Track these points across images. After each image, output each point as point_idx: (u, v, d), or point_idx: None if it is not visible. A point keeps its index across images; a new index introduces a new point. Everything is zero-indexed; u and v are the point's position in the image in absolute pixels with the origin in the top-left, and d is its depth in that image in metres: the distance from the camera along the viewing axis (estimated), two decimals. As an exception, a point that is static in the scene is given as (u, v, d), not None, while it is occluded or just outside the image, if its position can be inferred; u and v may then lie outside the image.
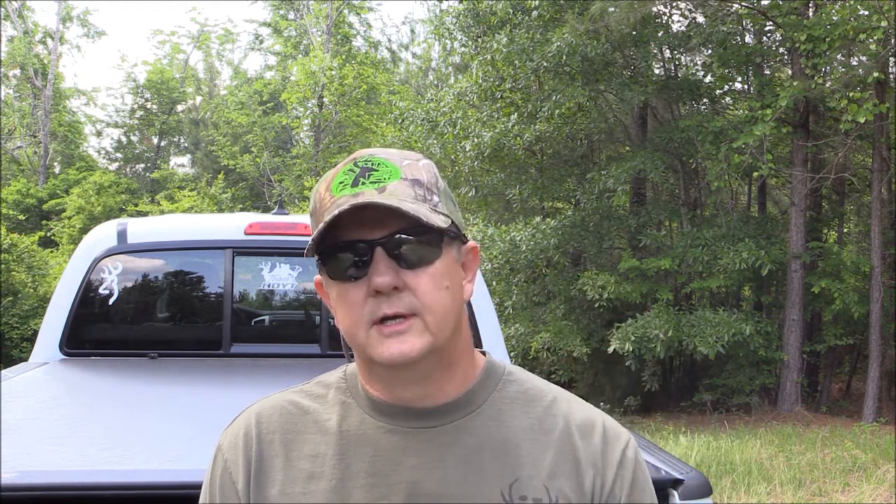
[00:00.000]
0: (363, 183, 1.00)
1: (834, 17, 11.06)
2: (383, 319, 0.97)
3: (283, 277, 3.70)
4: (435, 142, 14.41)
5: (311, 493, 1.02)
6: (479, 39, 14.71)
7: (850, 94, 10.61)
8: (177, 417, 2.54)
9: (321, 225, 0.98)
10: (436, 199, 1.03)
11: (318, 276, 1.09)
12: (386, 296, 0.97)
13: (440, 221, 1.00)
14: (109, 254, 3.54)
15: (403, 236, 0.98)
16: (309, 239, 1.01)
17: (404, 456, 1.02)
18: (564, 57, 12.20)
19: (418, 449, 1.02)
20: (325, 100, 24.40)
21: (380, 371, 1.03)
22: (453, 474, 1.01)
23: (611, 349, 11.91)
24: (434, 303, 0.99)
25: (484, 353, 1.12)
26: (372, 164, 1.02)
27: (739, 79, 14.16)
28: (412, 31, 39.24)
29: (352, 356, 1.10)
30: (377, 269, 0.97)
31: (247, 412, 1.11)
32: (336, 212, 0.96)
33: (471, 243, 1.08)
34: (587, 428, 1.07)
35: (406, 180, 1.01)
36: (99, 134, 37.50)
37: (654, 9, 13.11)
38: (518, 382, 1.10)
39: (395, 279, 0.97)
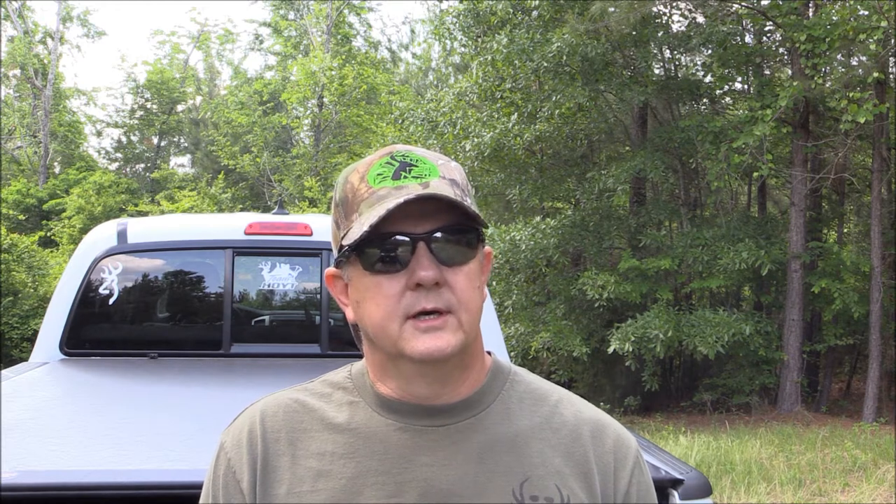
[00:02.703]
0: (405, 177, 0.99)
1: (834, 17, 11.06)
2: (419, 314, 0.97)
3: (283, 277, 3.70)
4: (435, 142, 14.41)
5: (319, 491, 1.01)
6: (479, 39, 14.70)
7: (850, 94, 10.61)
8: (177, 417, 2.54)
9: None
10: (468, 200, 1.03)
11: (330, 269, 1.08)
12: (426, 290, 0.97)
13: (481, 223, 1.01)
14: (109, 254, 3.54)
15: (446, 234, 0.99)
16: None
17: (416, 454, 1.02)
18: (564, 57, 12.20)
19: (430, 447, 1.02)
20: (325, 100, 24.42)
21: (404, 366, 1.02)
22: (465, 473, 1.01)
23: (611, 349, 11.91)
24: (469, 301, 1.00)
25: (489, 353, 1.13)
26: (411, 160, 1.02)
27: (739, 79, 14.16)
28: (412, 31, 39.27)
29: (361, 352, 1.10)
30: (420, 264, 0.97)
31: (250, 410, 1.10)
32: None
33: (487, 248, 1.09)
34: (598, 430, 1.08)
35: (445, 179, 1.01)
36: (99, 134, 37.57)
37: (654, 9, 13.10)
38: (524, 382, 1.11)
39: (437, 274, 0.97)
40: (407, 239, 0.97)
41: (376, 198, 0.98)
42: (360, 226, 0.98)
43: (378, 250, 0.99)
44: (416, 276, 0.96)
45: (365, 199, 1.00)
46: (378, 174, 1.00)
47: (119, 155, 33.29)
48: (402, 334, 0.98)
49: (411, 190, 0.97)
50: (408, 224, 0.98)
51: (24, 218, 24.99)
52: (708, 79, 14.14)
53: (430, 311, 0.97)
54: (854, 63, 12.05)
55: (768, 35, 13.89)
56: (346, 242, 1.01)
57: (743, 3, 12.55)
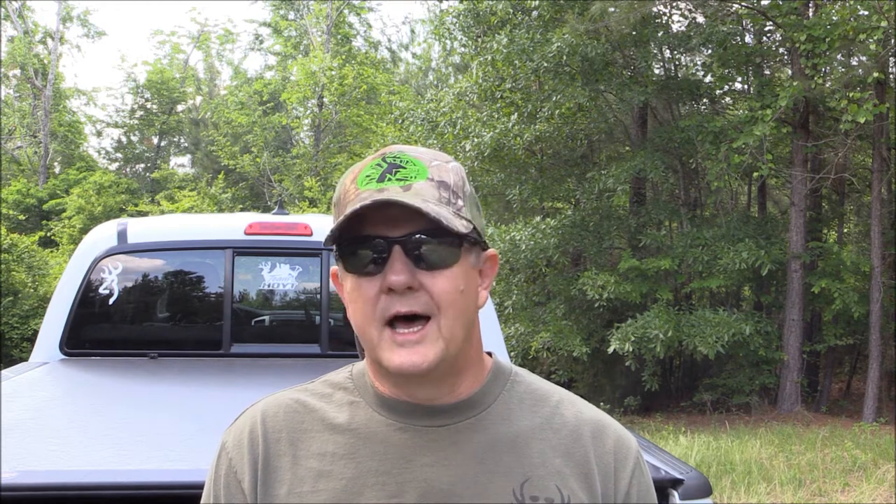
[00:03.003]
0: (389, 179, 0.99)
1: (834, 17, 11.06)
2: (395, 319, 0.97)
3: (283, 277, 3.70)
4: (435, 142, 14.41)
5: (320, 491, 1.01)
6: (479, 39, 14.71)
7: (850, 94, 10.61)
8: (177, 417, 2.54)
9: (342, 216, 0.97)
10: (460, 202, 1.02)
11: (334, 267, 1.09)
12: (400, 294, 0.97)
13: (461, 226, 0.99)
14: (109, 254, 3.54)
15: (423, 237, 0.98)
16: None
17: (416, 454, 1.02)
18: (564, 57, 12.20)
19: (430, 447, 1.02)
20: (325, 100, 24.41)
21: (389, 373, 1.02)
22: (465, 473, 1.01)
23: (611, 349, 11.91)
24: (448, 305, 0.98)
25: (490, 354, 1.13)
26: (400, 162, 1.02)
27: (739, 79, 14.16)
28: (412, 31, 39.31)
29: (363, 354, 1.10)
30: (393, 268, 0.97)
31: (251, 410, 1.10)
32: (358, 205, 0.96)
33: (490, 251, 1.08)
34: (598, 430, 1.08)
35: (432, 181, 1.01)
36: (99, 134, 37.56)
37: (654, 9, 13.10)
38: (525, 383, 1.11)
39: (410, 279, 0.97)
40: (382, 242, 0.97)
41: (359, 199, 0.99)
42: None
43: (356, 252, 0.99)
44: (388, 280, 0.96)
45: (351, 200, 1.00)
46: (367, 176, 1.01)
47: (119, 155, 33.29)
48: (381, 343, 0.98)
49: (391, 193, 0.97)
50: (387, 227, 0.98)
51: (24, 218, 24.99)
52: (708, 79, 14.14)
53: (404, 314, 0.97)
54: (854, 63, 12.06)
55: (768, 35, 13.89)
56: (325, 243, 1.03)
57: (743, 3, 12.55)
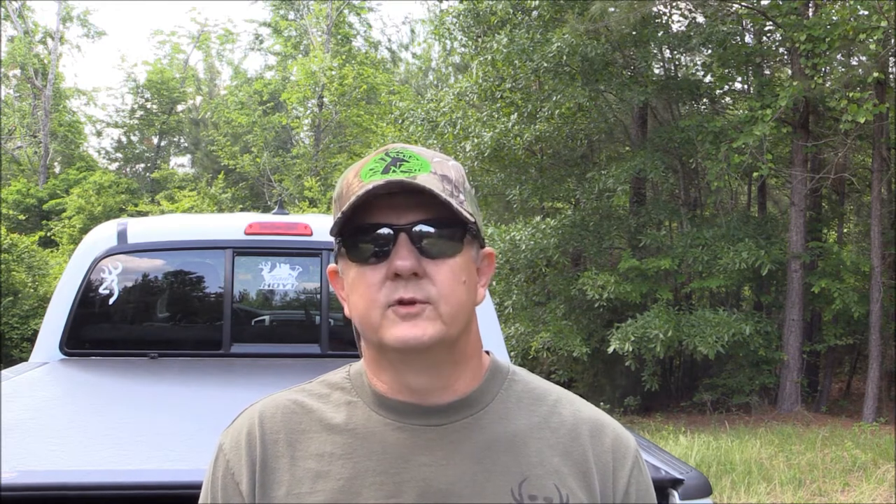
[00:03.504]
0: (393, 171, 1.01)
1: (834, 17, 11.06)
2: (397, 303, 0.98)
3: (283, 277, 3.70)
4: (435, 142, 14.41)
5: (318, 492, 1.01)
6: (479, 39, 14.71)
7: (850, 94, 10.61)
8: (177, 417, 2.54)
9: (351, 200, 0.98)
10: (462, 197, 1.04)
11: (332, 266, 1.09)
12: (405, 280, 0.98)
13: (467, 215, 1.01)
14: (109, 254, 3.54)
15: (427, 227, 0.99)
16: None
17: (414, 454, 1.02)
18: (564, 57, 12.20)
19: (428, 446, 1.02)
20: (325, 100, 24.42)
21: (391, 357, 1.02)
22: (464, 472, 1.01)
23: (611, 349, 11.91)
24: (450, 294, 0.99)
25: (488, 353, 1.13)
26: (403, 156, 1.03)
27: (739, 79, 14.16)
28: (412, 31, 39.29)
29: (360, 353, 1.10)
30: (399, 254, 0.98)
31: (248, 411, 1.10)
32: (371, 186, 0.97)
33: (487, 249, 1.09)
34: (597, 429, 1.08)
35: (435, 174, 1.02)
36: (99, 134, 37.60)
37: (654, 9, 13.10)
38: (523, 382, 1.11)
39: (415, 265, 0.98)
40: (388, 230, 0.99)
41: (364, 189, 0.99)
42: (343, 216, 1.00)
43: (361, 241, 1.00)
44: (394, 265, 0.97)
45: (355, 192, 1.01)
46: (370, 169, 1.02)
47: (119, 155, 33.29)
48: (383, 322, 0.99)
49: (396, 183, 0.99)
50: (392, 216, 0.99)
51: (24, 218, 24.99)
52: (708, 79, 14.14)
53: (407, 300, 0.98)
54: (854, 63, 12.06)
55: (768, 35, 13.89)
56: (331, 233, 1.03)
57: (743, 3, 12.55)
